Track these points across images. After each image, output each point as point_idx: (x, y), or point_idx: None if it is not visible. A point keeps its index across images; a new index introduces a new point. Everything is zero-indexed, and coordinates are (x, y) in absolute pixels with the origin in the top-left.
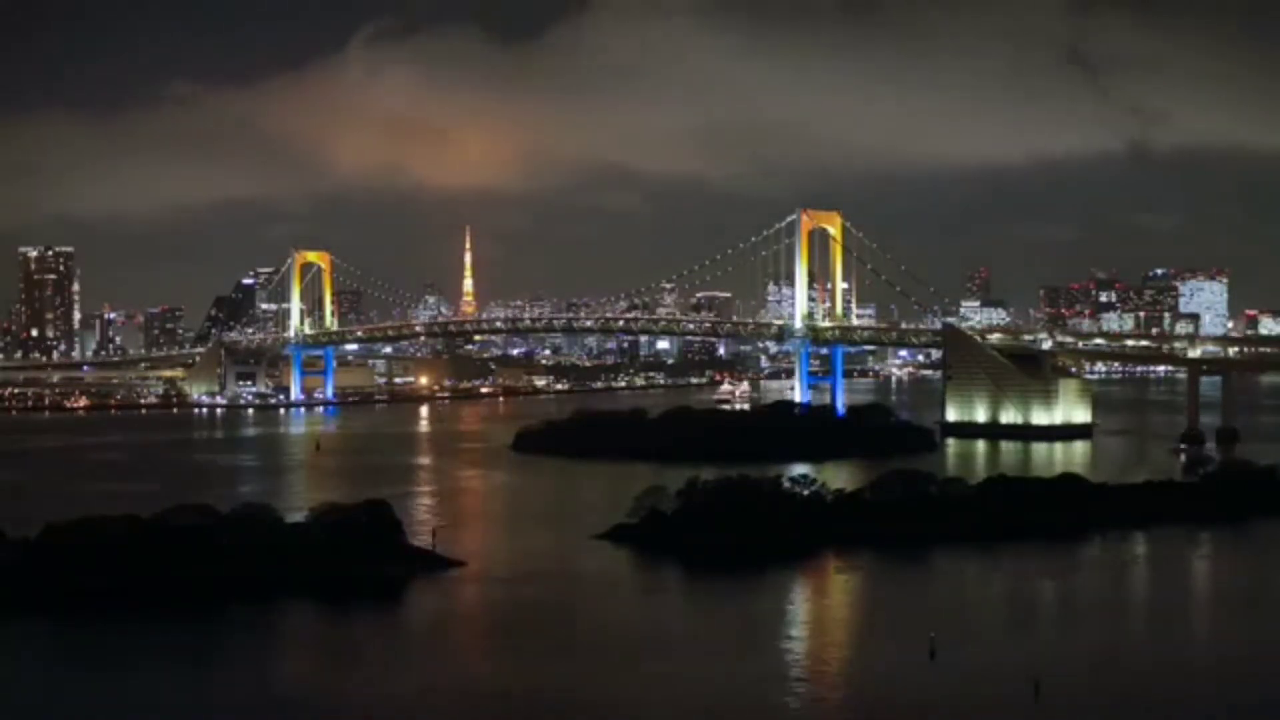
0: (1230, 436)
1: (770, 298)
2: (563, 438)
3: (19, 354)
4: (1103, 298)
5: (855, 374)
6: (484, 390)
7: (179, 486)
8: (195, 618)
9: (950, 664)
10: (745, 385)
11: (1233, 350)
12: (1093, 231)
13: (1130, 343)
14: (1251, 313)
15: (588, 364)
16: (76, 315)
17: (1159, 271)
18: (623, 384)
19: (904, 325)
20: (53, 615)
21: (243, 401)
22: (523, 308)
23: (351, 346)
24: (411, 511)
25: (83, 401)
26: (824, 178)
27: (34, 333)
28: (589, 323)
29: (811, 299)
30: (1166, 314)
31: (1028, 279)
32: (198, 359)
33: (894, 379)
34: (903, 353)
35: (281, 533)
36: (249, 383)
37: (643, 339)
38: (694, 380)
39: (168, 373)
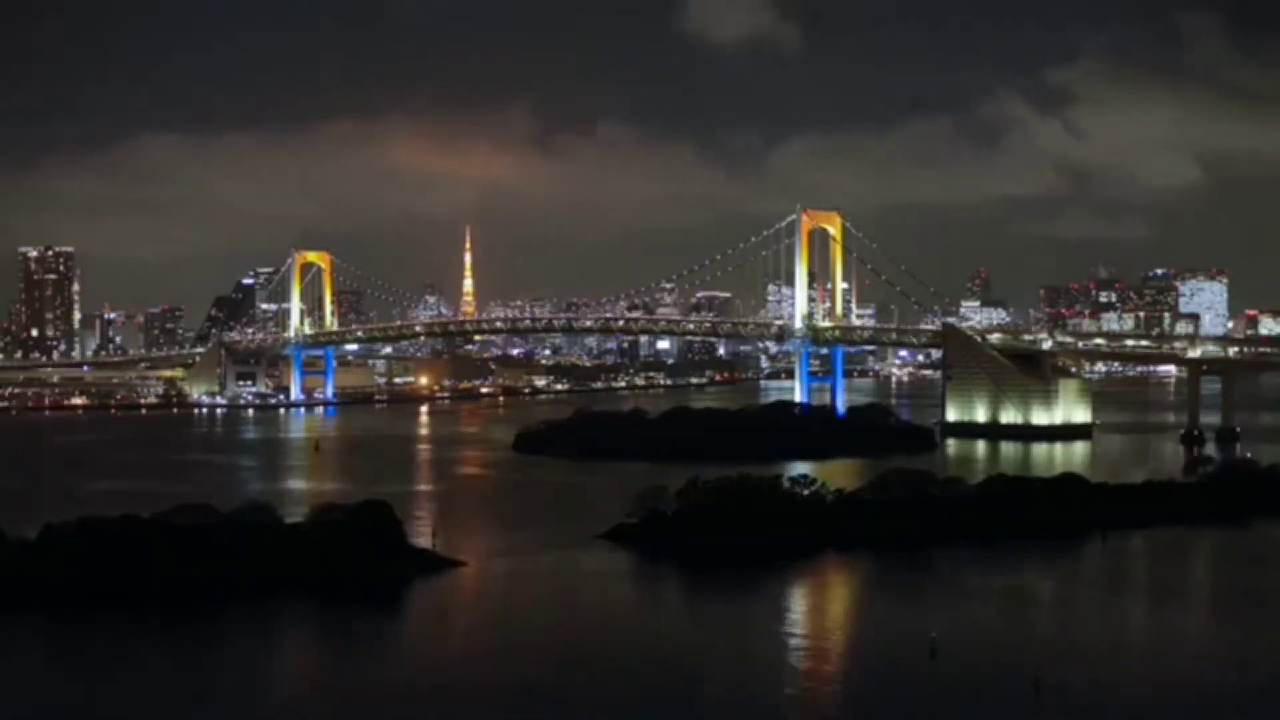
0: (1230, 436)
1: (770, 298)
2: (563, 438)
3: (19, 354)
4: (1103, 298)
5: (855, 374)
6: (484, 390)
7: (179, 486)
8: (195, 618)
9: (951, 663)
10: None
11: (1233, 350)
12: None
13: (1130, 343)
14: (1251, 313)
15: (588, 364)
16: (76, 315)
17: (1159, 271)
18: (623, 384)
19: (904, 325)
20: (52, 615)
21: (243, 401)
22: (523, 308)
23: (351, 346)
24: (411, 511)
25: (82, 401)
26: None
27: (34, 333)
28: (589, 323)
29: (811, 299)
30: (1166, 314)
31: (1028, 279)
32: (198, 359)
33: (894, 379)
34: (903, 353)
35: (281, 533)
36: (249, 383)
37: (643, 339)
38: (694, 380)
39: (168, 373)
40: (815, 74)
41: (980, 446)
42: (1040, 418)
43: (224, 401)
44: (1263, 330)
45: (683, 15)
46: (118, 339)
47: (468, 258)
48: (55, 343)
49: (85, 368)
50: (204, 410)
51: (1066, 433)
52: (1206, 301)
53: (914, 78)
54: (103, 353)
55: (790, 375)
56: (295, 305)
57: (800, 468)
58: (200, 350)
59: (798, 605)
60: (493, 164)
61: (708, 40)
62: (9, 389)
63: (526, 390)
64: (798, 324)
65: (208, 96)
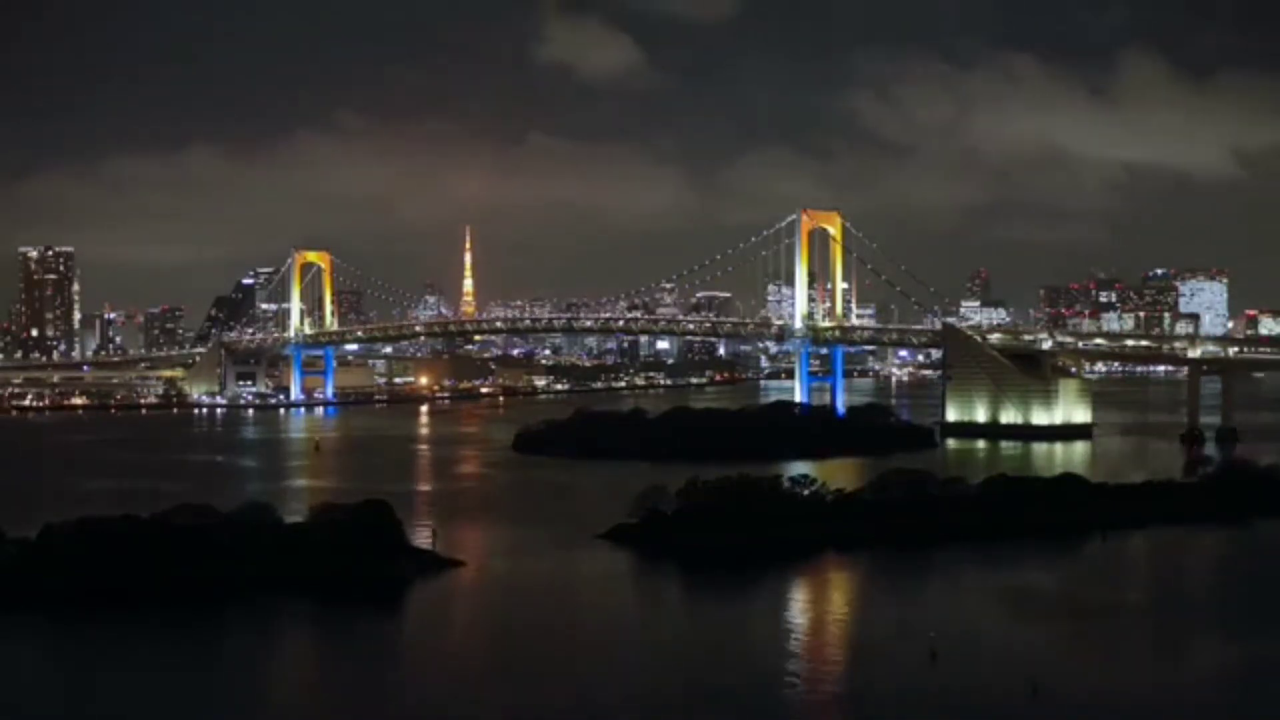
0: (1230, 436)
1: (770, 298)
2: (563, 438)
3: (19, 354)
4: (1103, 298)
5: (855, 374)
6: (484, 390)
7: (179, 486)
8: (195, 618)
9: (950, 665)
10: None
11: (1233, 350)
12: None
13: (1130, 343)
14: (1251, 313)
15: (588, 364)
16: (76, 315)
17: (1159, 271)
18: (623, 384)
19: (904, 325)
20: (52, 615)
21: (243, 401)
22: (523, 308)
23: (351, 346)
24: (411, 511)
25: (82, 401)
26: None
27: (34, 333)
28: (589, 323)
29: (811, 299)
30: (1166, 314)
31: (1028, 279)
32: (198, 359)
33: (894, 379)
34: (903, 353)
35: (281, 533)
36: (249, 383)
37: (643, 339)
38: (694, 380)
39: (168, 373)
40: (702, 103)
41: (980, 446)
42: (1040, 418)
43: (224, 401)
44: (1263, 330)
45: (541, 53)
46: (118, 339)
47: (468, 258)
48: (55, 343)
49: (85, 368)
50: (204, 410)
51: (1066, 433)
52: (1206, 301)
53: (792, 106)
54: (103, 353)
55: (790, 375)
56: (295, 305)
57: (800, 468)
58: (200, 350)
59: (798, 605)
60: (481, 168)
61: (575, 74)
62: (9, 389)
63: (526, 390)
64: (798, 324)
65: (201, 103)
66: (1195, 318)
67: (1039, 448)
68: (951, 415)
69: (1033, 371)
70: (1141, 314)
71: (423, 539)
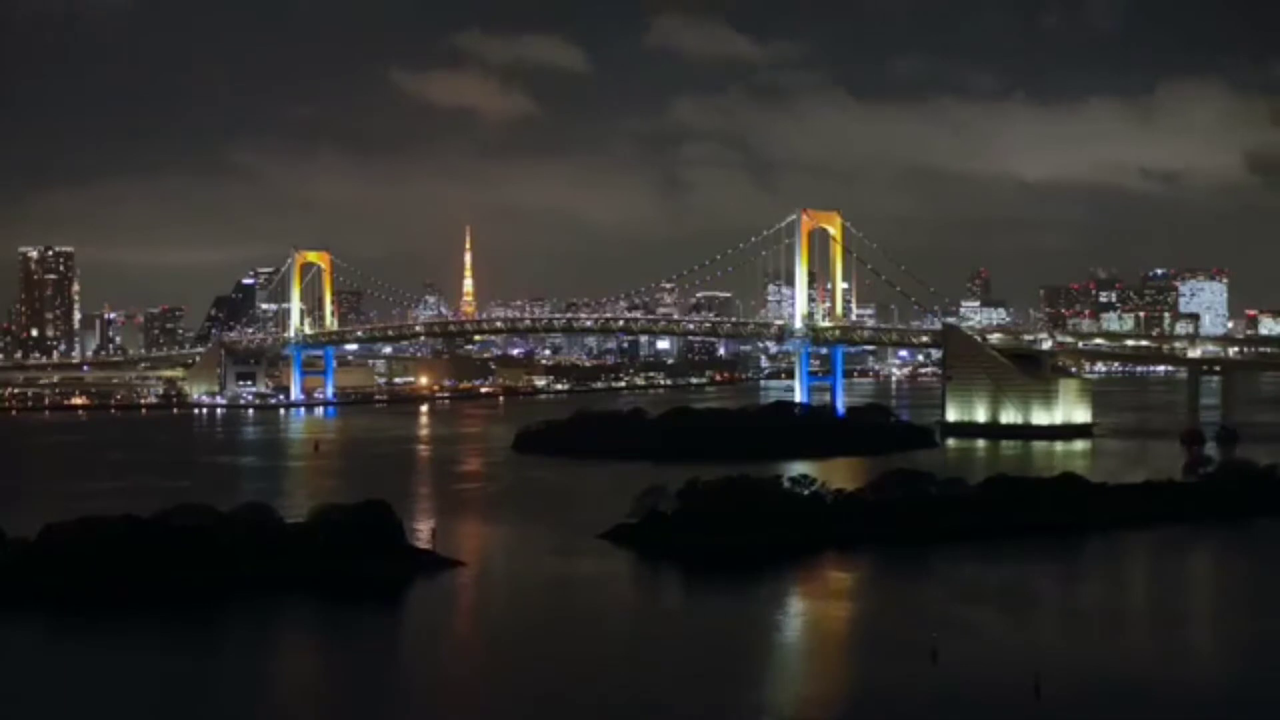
0: (1230, 436)
1: (770, 298)
2: (563, 438)
3: (19, 354)
4: (1103, 298)
5: (855, 374)
6: (484, 390)
7: (179, 486)
8: (195, 618)
9: (952, 665)
10: None
11: (1233, 350)
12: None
13: (1130, 343)
14: (1251, 313)
15: (588, 364)
16: (76, 315)
17: (1159, 271)
18: (623, 384)
19: (904, 325)
20: (52, 615)
21: (243, 401)
22: (523, 308)
23: (351, 346)
24: (411, 511)
25: (82, 401)
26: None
27: (34, 333)
28: (589, 323)
29: (811, 299)
30: (1166, 314)
31: (1028, 279)
32: (198, 359)
33: (894, 379)
34: (903, 353)
35: (281, 533)
36: (249, 383)
37: (643, 339)
38: (694, 380)
39: (168, 373)
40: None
41: (980, 446)
42: (1040, 418)
43: (224, 401)
44: (1263, 330)
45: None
46: (118, 339)
47: (468, 258)
48: (55, 343)
49: (85, 368)
50: (204, 410)
51: (1066, 433)
52: (1206, 301)
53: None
54: (103, 353)
55: (790, 375)
56: (295, 305)
57: (800, 468)
58: (200, 350)
59: (798, 606)
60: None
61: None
62: (9, 389)
63: (526, 390)
64: (798, 324)
65: (146, 133)
66: (1195, 318)
67: (1039, 447)
68: (951, 415)
69: (1033, 371)
70: (1141, 314)
71: (423, 539)
